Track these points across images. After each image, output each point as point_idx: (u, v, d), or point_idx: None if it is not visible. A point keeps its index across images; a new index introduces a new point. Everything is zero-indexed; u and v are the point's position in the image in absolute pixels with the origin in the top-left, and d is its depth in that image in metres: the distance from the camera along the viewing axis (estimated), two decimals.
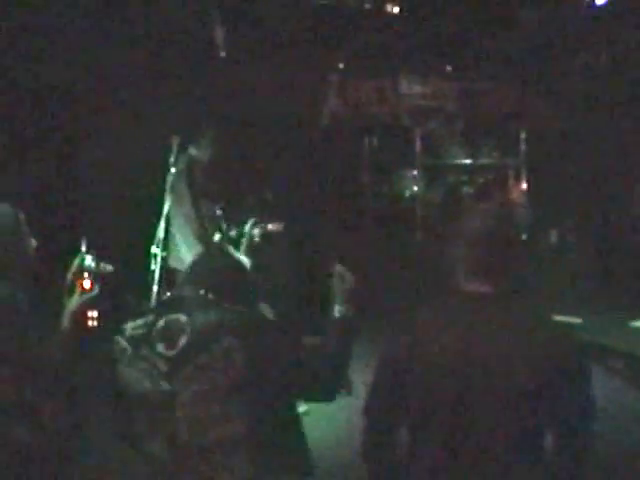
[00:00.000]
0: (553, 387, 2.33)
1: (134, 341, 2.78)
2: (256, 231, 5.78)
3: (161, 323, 2.76)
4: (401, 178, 9.28)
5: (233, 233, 5.80)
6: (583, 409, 2.41)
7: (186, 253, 5.64)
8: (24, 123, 6.35)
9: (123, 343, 2.81)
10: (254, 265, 5.73)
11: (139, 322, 2.84)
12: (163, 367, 2.68)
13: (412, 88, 9.30)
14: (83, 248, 3.31)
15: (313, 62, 8.92)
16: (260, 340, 2.62)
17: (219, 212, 5.76)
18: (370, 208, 9.39)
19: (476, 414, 2.35)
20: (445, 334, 2.41)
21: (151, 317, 2.82)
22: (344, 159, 9.27)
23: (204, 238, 5.70)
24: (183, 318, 2.72)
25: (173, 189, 5.71)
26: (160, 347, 2.71)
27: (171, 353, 2.69)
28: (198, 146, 5.85)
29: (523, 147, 8.65)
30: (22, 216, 3.34)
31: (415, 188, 9.03)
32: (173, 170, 5.23)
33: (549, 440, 2.42)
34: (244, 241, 5.78)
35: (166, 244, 5.19)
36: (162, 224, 5.26)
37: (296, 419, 2.83)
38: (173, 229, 5.76)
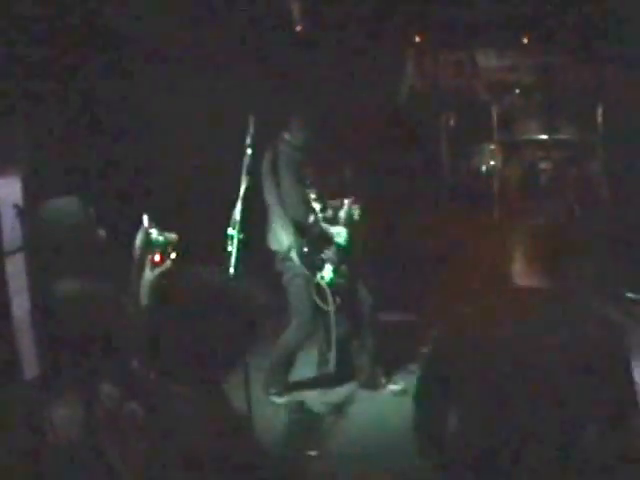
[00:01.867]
0: (598, 381, 2.36)
1: None
2: (355, 210, 5.95)
3: None
4: (478, 153, 9.21)
5: (329, 213, 5.96)
6: (627, 404, 2.44)
7: (282, 235, 5.82)
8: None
9: None
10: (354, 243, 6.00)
11: None
12: None
13: (489, 62, 9.21)
14: (145, 223, 3.42)
15: (390, 37, 8.91)
16: None
17: (313, 195, 5.91)
18: (447, 184, 9.38)
19: (523, 406, 2.40)
20: (496, 327, 2.46)
21: None
22: (422, 134, 9.26)
23: (301, 220, 5.86)
24: None
25: (267, 173, 5.88)
26: None
27: None
28: (292, 130, 5.99)
29: (601, 123, 8.47)
30: (91, 209, 3.47)
31: (492, 163, 8.93)
32: (249, 151, 5.35)
33: (592, 433, 2.46)
34: (342, 220, 5.95)
35: (243, 226, 5.33)
36: (239, 206, 5.40)
37: None
38: (269, 212, 5.95)
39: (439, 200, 9.23)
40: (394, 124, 8.85)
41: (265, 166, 5.92)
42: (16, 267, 5.40)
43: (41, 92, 5.59)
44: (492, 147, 8.91)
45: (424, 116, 9.26)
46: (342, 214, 6.01)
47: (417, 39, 9.34)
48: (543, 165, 8.48)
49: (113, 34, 6.53)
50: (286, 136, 6.02)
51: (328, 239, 5.94)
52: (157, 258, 3.44)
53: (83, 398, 3.44)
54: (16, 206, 4.97)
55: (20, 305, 5.37)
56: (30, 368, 5.42)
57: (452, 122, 9.39)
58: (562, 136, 8.79)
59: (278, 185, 5.91)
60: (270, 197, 5.93)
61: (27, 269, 5.48)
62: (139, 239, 3.36)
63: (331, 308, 5.84)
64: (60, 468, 3.78)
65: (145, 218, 3.45)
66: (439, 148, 9.40)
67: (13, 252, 5.37)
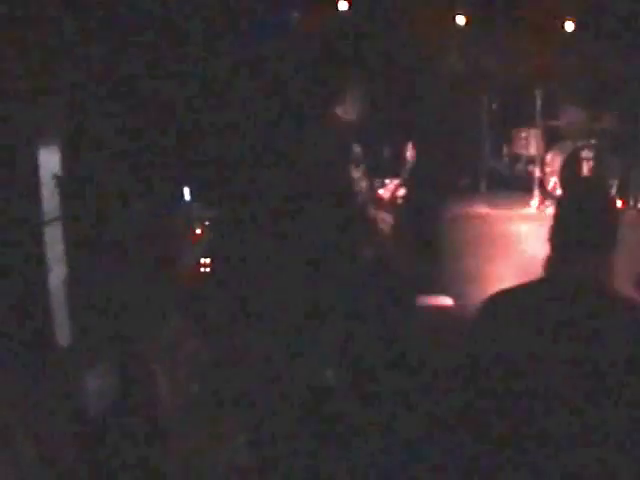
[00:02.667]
0: (634, 373, 2.33)
1: None
2: (401, 191, 5.93)
3: None
4: (520, 138, 9.14)
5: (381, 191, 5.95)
6: None
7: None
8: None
9: None
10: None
11: None
12: None
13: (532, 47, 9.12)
14: (187, 197, 3.45)
15: (434, 17, 8.88)
16: None
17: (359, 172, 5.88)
18: (488, 168, 9.34)
19: (564, 398, 2.36)
20: (533, 316, 2.44)
21: None
22: (463, 117, 9.21)
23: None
24: None
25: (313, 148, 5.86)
26: None
27: None
28: (345, 105, 5.95)
29: None
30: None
31: (533, 150, 8.84)
32: None
33: (625, 426, 2.42)
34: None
35: None
36: None
37: None
38: None
39: (479, 184, 9.20)
40: (435, 105, 8.83)
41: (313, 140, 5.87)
42: (54, 236, 5.45)
43: (80, 64, 5.62)
44: (534, 132, 8.79)
45: (466, 98, 9.22)
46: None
47: (461, 22, 9.27)
48: (585, 153, 8.37)
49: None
50: (339, 111, 5.97)
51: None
52: (198, 231, 3.48)
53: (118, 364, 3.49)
54: (55, 176, 5.03)
55: (57, 274, 5.43)
56: (65, 336, 5.50)
57: (494, 106, 9.32)
58: (605, 125, 8.67)
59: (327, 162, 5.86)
60: None
61: (64, 238, 5.53)
62: (181, 213, 3.39)
63: None
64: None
65: (186, 191, 3.48)
66: (480, 132, 9.33)
67: (51, 221, 5.42)
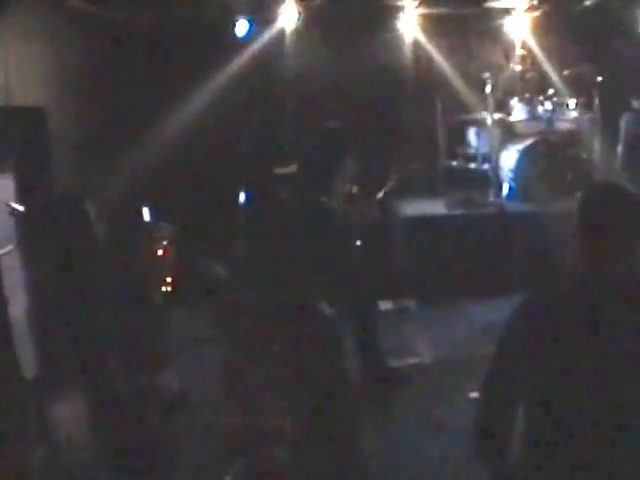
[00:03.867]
0: None
1: None
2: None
3: None
4: (475, 137, 9.19)
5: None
6: None
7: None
8: None
9: None
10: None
11: None
12: None
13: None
14: (147, 217, 3.37)
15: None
16: None
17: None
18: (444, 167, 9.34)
19: (595, 396, 2.31)
20: (565, 314, 2.39)
21: None
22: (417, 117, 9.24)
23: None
24: None
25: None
26: None
27: None
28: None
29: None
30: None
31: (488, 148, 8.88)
32: None
33: None
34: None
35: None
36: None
37: None
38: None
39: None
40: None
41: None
42: (9, 265, 5.34)
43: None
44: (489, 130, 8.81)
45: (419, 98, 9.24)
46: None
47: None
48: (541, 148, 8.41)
49: None
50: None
51: None
52: (160, 252, 3.41)
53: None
54: (8, 205, 4.91)
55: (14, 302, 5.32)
56: (29, 366, 5.38)
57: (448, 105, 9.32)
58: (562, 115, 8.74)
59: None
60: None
61: (21, 267, 5.42)
62: (139, 232, 3.31)
63: None
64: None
65: (145, 211, 3.40)
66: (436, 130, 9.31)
67: (6, 250, 5.31)
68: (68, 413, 4.73)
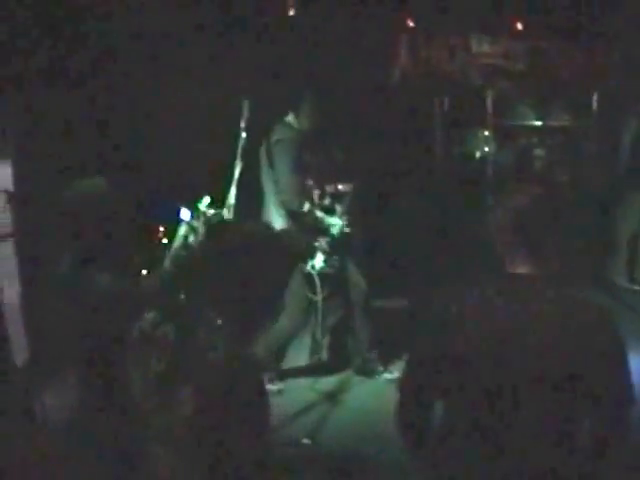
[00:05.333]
0: (589, 371, 2.36)
1: None
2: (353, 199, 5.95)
3: None
4: (472, 139, 9.17)
5: (327, 202, 5.93)
6: (620, 395, 2.43)
7: (276, 223, 5.81)
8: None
9: None
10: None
11: None
12: None
13: (483, 47, 9.17)
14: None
15: (383, 20, 8.85)
16: None
17: (311, 182, 5.86)
18: (441, 169, 9.35)
19: (512, 395, 2.39)
20: (486, 314, 2.45)
21: None
22: (415, 119, 9.22)
23: (295, 208, 5.83)
24: None
25: (264, 158, 5.83)
26: None
27: None
28: (298, 115, 5.93)
29: (595, 109, 8.41)
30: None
31: (486, 149, 8.88)
32: (244, 135, 5.27)
33: (585, 425, 2.45)
34: (340, 209, 5.92)
35: (237, 209, 5.29)
36: (233, 190, 5.31)
37: None
38: (264, 198, 5.90)
39: (432, 185, 9.21)
40: (388, 109, 8.82)
41: (262, 151, 5.87)
42: (6, 253, 5.37)
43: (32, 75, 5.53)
44: (486, 133, 8.83)
45: (417, 100, 9.22)
46: (339, 203, 5.95)
47: (410, 23, 9.27)
48: (537, 151, 8.44)
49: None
50: (288, 119, 5.95)
51: (322, 229, 5.88)
52: None
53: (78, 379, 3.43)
54: (6, 191, 4.94)
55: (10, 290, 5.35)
56: (21, 353, 5.40)
57: (445, 107, 9.34)
58: (556, 122, 8.75)
59: (274, 170, 5.86)
60: (266, 183, 5.89)
61: (17, 255, 5.45)
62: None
63: (319, 297, 5.82)
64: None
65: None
66: (432, 133, 9.34)
67: (3, 238, 5.33)
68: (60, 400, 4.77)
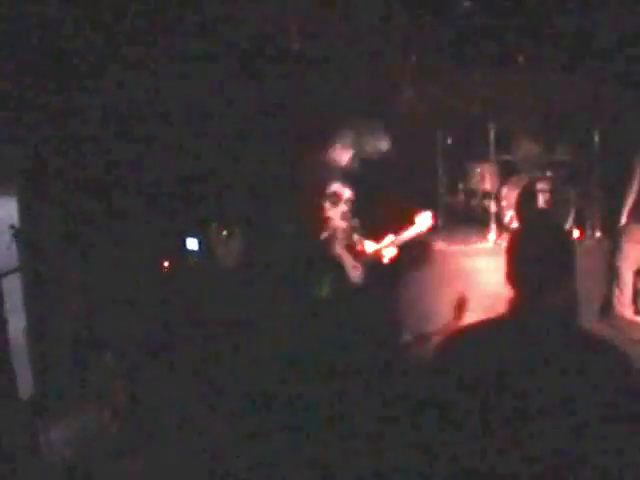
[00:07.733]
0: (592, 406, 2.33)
1: None
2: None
3: None
4: (475, 173, 9.19)
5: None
6: None
7: None
8: None
9: None
10: None
11: None
12: None
13: (486, 81, 9.21)
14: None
15: (387, 54, 8.91)
16: None
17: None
18: (444, 203, 9.36)
19: (513, 431, 2.36)
20: (487, 348, 2.44)
21: None
22: (418, 152, 9.23)
23: None
24: None
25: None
26: None
27: None
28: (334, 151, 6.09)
29: (597, 143, 8.40)
30: None
31: (488, 184, 8.88)
32: None
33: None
34: None
35: None
36: None
37: None
38: None
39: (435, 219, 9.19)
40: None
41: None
42: (11, 287, 5.38)
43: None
44: (489, 167, 8.84)
45: (421, 133, 9.25)
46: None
47: (413, 57, 9.33)
48: (540, 185, 8.42)
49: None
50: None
51: None
52: None
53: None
54: (12, 227, 4.97)
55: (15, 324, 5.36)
56: (26, 387, 5.40)
57: (449, 140, 9.38)
58: (559, 157, 8.76)
59: None
60: None
61: (22, 289, 5.47)
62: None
63: None
64: None
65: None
66: (435, 166, 9.37)
67: (8, 272, 5.35)
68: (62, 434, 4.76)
